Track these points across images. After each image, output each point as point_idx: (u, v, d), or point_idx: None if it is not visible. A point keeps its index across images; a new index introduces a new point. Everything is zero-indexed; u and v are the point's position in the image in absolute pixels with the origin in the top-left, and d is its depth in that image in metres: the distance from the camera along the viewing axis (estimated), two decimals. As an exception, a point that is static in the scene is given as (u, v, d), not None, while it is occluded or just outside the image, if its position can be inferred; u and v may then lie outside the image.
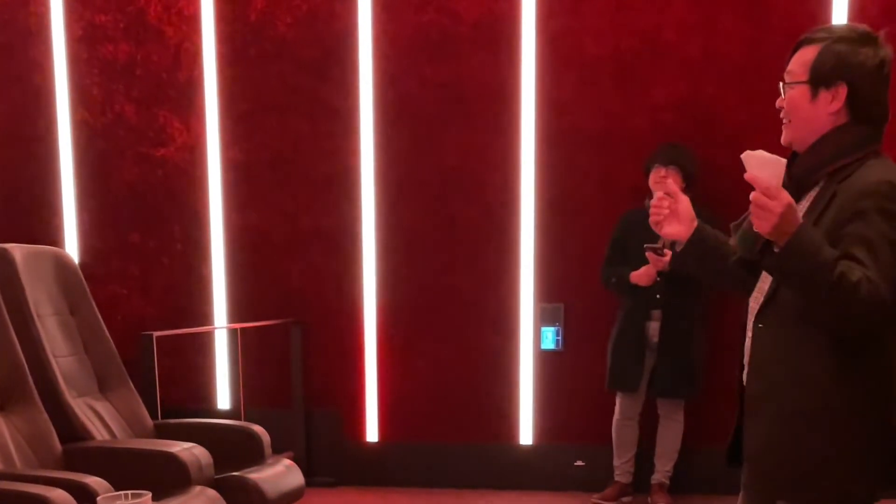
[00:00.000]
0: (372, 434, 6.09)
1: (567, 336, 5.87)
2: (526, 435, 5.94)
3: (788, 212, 2.25)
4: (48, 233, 6.16)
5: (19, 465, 3.63)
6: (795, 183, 2.46)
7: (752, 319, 2.53)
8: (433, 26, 5.83)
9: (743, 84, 5.53)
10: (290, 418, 6.01)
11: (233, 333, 5.93)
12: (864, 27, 2.49)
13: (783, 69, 2.58)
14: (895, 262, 2.30)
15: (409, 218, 5.96)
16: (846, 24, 2.53)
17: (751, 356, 2.53)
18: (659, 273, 5.18)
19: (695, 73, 5.61)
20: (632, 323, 5.42)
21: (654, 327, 5.37)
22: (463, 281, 5.93)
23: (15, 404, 3.73)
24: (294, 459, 4.80)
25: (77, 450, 3.89)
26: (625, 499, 5.58)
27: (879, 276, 2.27)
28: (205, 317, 6.15)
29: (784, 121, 2.53)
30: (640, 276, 5.26)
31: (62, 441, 3.85)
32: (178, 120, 6.10)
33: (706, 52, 5.61)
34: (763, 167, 2.33)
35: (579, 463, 5.84)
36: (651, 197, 5.40)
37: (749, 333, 2.55)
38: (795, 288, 2.36)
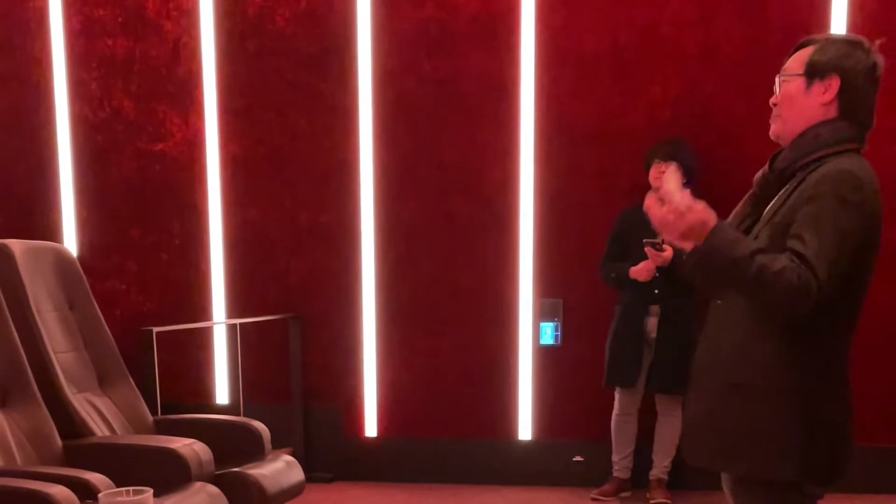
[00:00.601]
0: (371, 429, 6.09)
1: (566, 331, 5.87)
2: (525, 430, 5.95)
3: (693, 217, 2.41)
4: (47, 228, 6.16)
5: (20, 462, 3.63)
6: (777, 175, 2.58)
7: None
8: (432, 21, 5.82)
9: (740, 80, 5.53)
10: (289, 413, 6.02)
11: (232, 329, 5.93)
12: (861, 37, 2.61)
13: (780, 65, 2.67)
14: (839, 245, 2.39)
15: (408, 213, 5.96)
16: (844, 33, 2.60)
17: (704, 330, 2.66)
18: (658, 268, 5.19)
19: (693, 69, 5.61)
20: (630, 319, 5.43)
21: (652, 323, 5.38)
22: (462, 276, 5.93)
23: (15, 400, 3.74)
24: (293, 454, 4.81)
25: (77, 446, 3.89)
26: (623, 494, 5.59)
27: (817, 259, 2.35)
28: (204, 312, 6.15)
29: (774, 115, 2.63)
30: (639, 271, 5.27)
31: (62, 437, 3.85)
32: (176, 115, 6.09)
33: (704, 49, 5.61)
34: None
35: (578, 458, 5.85)
36: (651, 192, 5.41)
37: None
38: (720, 285, 2.50)
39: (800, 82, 2.56)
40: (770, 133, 2.65)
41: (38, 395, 3.81)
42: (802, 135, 2.55)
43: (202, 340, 6.19)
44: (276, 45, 5.96)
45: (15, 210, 6.22)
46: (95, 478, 3.36)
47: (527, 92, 5.78)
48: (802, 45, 2.62)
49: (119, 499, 3.08)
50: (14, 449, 3.64)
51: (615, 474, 5.58)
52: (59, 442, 3.83)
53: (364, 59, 5.90)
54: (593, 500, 5.57)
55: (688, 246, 2.46)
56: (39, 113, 6.20)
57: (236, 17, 5.98)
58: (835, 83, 2.53)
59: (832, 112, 2.55)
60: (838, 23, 5.49)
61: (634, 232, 5.14)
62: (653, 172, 5.35)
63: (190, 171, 6.12)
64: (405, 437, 6.06)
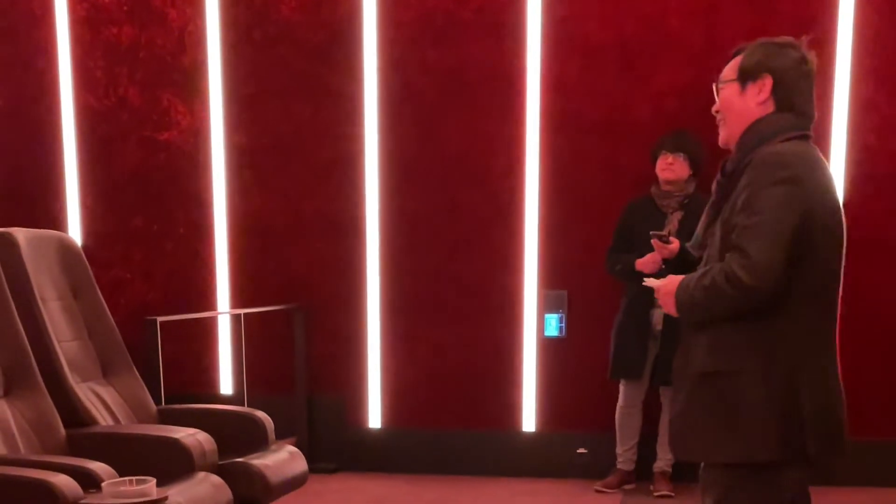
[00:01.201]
0: (374, 420, 6.09)
1: (570, 323, 5.86)
2: (529, 422, 5.94)
3: (664, 293, 2.72)
4: (51, 216, 6.15)
5: (23, 451, 3.63)
6: (727, 178, 2.67)
7: None
8: (438, 11, 5.80)
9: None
10: (293, 404, 6.01)
11: (236, 319, 5.92)
12: (790, 38, 2.73)
13: None
14: (775, 223, 2.47)
15: (413, 203, 5.94)
16: (773, 38, 2.77)
17: (682, 340, 2.77)
18: (664, 260, 5.16)
19: (698, 59, 5.58)
20: (636, 311, 5.41)
21: (657, 315, 5.36)
22: (466, 267, 5.92)
23: (19, 389, 3.73)
24: (296, 445, 4.81)
25: (81, 435, 3.89)
26: (627, 486, 5.58)
27: (751, 242, 2.47)
28: (208, 302, 6.14)
29: (719, 121, 2.74)
30: (646, 263, 5.24)
31: (66, 426, 3.85)
32: (181, 104, 6.08)
33: (710, 39, 5.58)
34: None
35: (582, 451, 5.84)
36: (657, 184, 5.40)
37: None
38: (706, 319, 2.64)
39: (734, 87, 2.68)
40: (719, 141, 2.76)
41: (42, 383, 3.80)
42: (744, 133, 2.66)
43: (206, 330, 6.18)
44: (282, 34, 5.94)
45: (19, 198, 6.21)
46: (99, 467, 3.35)
47: (532, 82, 5.76)
48: (736, 54, 2.74)
49: (122, 488, 3.10)
50: (17, 438, 3.64)
51: (619, 466, 5.57)
52: (62, 431, 3.82)
53: (369, 48, 5.88)
54: (597, 491, 5.57)
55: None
56: (44, 101, 6.19)
57: (242, 5, 5.96)
58: (767, 81, 2.64)
59: (769, 108, 2.65)
60: (846, 13, 5.47)
61: (640, 224, 5.12)
62: (660, 164, 5.33)
63: (195, 161, 6.11)
64: (409, 428, 6.05)
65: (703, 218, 2.77)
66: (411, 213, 5.95)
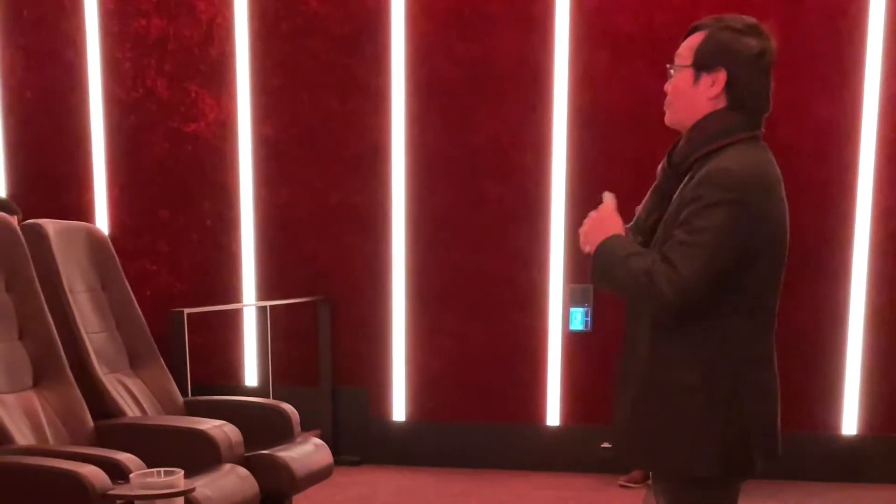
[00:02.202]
0: (398, 413, 6.09)
1: (596, 317, 5.83)
2: (553, 416, 5.93)
3: (597, 223, 2.62)
4: (79, 208, 6.18)
5: (52, 441, 3.65)
6: (674, 170, 2.61)
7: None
8: (466, 3, 5.78)
9: (775, 64, 5.44)
10: (317, 396, 6.02)
11: (261, 310, 5.93)
12: (752, 19, 2.59)
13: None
14: (712, 244, 2.42)
15: (439, 196, 5.93)
16: (736, 15, 2.61)
17: (625, 334, 2.70)
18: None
19: (729, 52, 5.53)
20: None
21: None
22: (492, 260, 5.90)
23: (48, 380, 3.74)
24: (320, 437, 4.81)
25: (109, 426, 3.90)
26: (650, 481, 5.56)
27: (682, 259, 2.42)
28: (233, 293, 6.16)
29: (666, 102, 2.64)
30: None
31: (94, 417, 3.86)
32: (209, 95, 6.09)
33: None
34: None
35: (606, 445, 5.81)
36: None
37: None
38: (611, 288, 2.60)
39: (688, 74, 2.56)
40: (665, 120, 2.66)
41: (71, 375, 3.82)
42: (693, 128, 2.56)
43: (232, 322, 6.20)
44: (310, 26, 5.94)
45: (48, 190, 6.25)
46: (127, 458, 3.36)
47: (560, 74, 5.74)
48: (694, 30, 2.61)
49: (150, 479, 3.10)
50: (46, 428, 3.66)
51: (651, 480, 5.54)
52: (90, 422, 3.84)
53: (397, 40, 5.87)
54: (621, 486, 5.55)
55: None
56: (73, 93, 6.22)
57: (270, -3, 5.97)
58: (721, 76, 2.52)
59: (721, 103, 2.55)
60: (877, 5, 5.40)
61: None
62: None
63: (221, 152, 6.12)
64: (433, 421, 6.05)
65: (646, 201, 2.71)
66: (437, 206, 5.94)
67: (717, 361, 2.50)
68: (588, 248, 2.62)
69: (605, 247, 2.57)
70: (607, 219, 2.63)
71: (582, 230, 2.66)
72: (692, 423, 2.51)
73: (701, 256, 2.42)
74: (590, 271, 2.61)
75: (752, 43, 2.54)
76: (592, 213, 2.65)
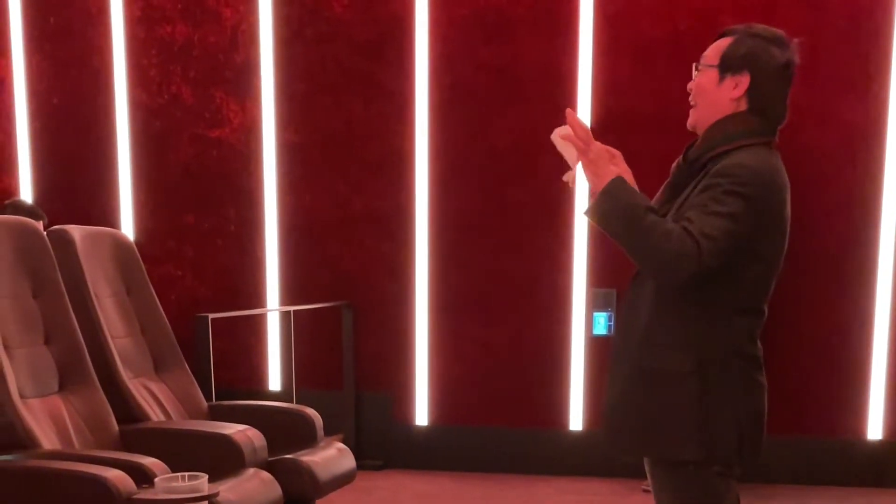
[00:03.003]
0: (421, 417, 6.10)
1: (619, 322, 5.81)
2: (576, 421, 5.92)
3: (599, 157, 2.64)
4: (105, 213, 6.23)
5: (77, 445, 3.68)
6: (689, 166, 2.67)
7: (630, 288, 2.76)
8: (489, 8, 5.79)
9: (800, 68, 5.39)
10: (341, 400, 6.04)
11: (285, 315, 5.96)
12: (780, 31, 2.66)
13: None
14: (724, 228, 2.45)
15: (462, 201, 5.94)
16: (765, 26, 2.68)
17: (617, 320, 2.80)
18: None
19: (753, 56, 5.51)
20: None
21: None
22: (515, 265, 5.90)
23: (74, 385, 3.78)
24: (343, 441, 4.82)
25: (133, 431, 3.93)
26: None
27: (700, 234, 2.44)
28: (257, 298, 6.19)
29: (691, 103, 2.70)
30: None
31: (119, 422, 3.89)
32: (233, 101, 6.12)
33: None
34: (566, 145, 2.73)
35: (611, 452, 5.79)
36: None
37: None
38: (615, 232, 2.57)
39: (713, 74, 2.62)
40: (687, 123, 2.72)
41: (96, 379, 3.85)
42: (712, 127, 2.62)
43: (256, 326, 6.23)
44: (334, 32, 5.97)
45: (74, 194, 6.31)
46: (152, 462, 3.38)
47: (584, 79, 5.73)
48: (724, 35, 2.67)
49: (175, 483, 3.12)
50: (72, 432, 3.69)
51: (645, 465, 5.52)
52: (115, 426, 3.87)
53: (421, 45, 5.88)
54: (644, 491, 5.53)
55: (594, 185, 2.61)
56: (99, 99, 6.27)
57: (295, 3, 6.00)
58: (745, 80, 2.59)
59: (742, 106, 2.61)
60: (903, 10, 5.37)
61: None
62: None
63: (246, 158, 6.15)
64: (456, 425, 6.05)
65: (659, 195, 2.77)
66: (460, 211, 5.94)
67: (709, 352, 2.56)
68: (595, 179, 2.62)
69: (620, 186, 2.59)
70: (607, 153, 2.67)
71: (582, 157, 2.67)
72: (682, 409, 2.57)
73: (713, 232, 2.46)
74: (590, 208, 2.60)
75: (778, 53, 2.61)
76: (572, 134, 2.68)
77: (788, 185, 2.62)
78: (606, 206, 2.58)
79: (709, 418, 2.57)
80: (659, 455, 2.67)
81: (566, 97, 5.75)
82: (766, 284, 2.63)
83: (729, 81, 2.60)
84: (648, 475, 2.79)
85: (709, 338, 2.57)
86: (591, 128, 6.14)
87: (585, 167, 2.67)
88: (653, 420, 2.61)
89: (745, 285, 2.57)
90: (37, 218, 4.76)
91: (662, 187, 2.79)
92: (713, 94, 2.63)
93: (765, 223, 2.54)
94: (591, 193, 2.64)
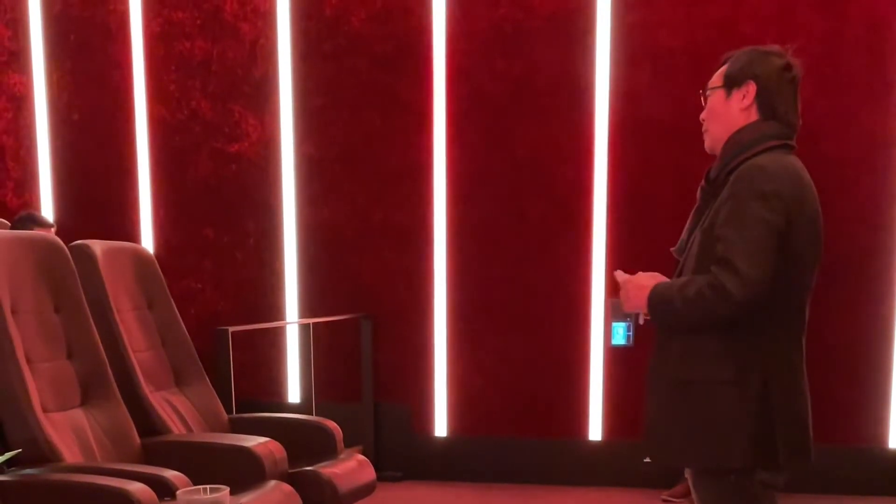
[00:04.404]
0: (441, 428, 6.09)
1: (638, 332, 5.77)
2: (595, 431, 5.90)
3: (633, 286, 2.78)
4: (125, 228, 6.27)
5: (99, 459, 3.69)
6: (711, 185, 2.73)
7: None
8: (507, 20, 5.80)
9: (819, 76, 5.40)
10: (360, 412, 6.04)
11: (304, 328, 5.97)
12: (773, 46, 2.78)
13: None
14: (761, 237, 2.51)
15: (481, 212, 5.94)
16: (758, 46, 2.80)
17: (656, 335, 2.84)
18: None
19: (771, 65, 5.50)
20: None
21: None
22: (534, 275, 5.90)
23: (96, 398, 3.80)
24: (362, 453, 4.83)
25: (155, 444, 3.94)
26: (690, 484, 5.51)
27: (739, 256, 2.50)
28: (276, 311, 6.21)
29: (704, 130, 2.79)
30: None
31: (141, 435, 3.91)
32: (252, 115, 6.16)
33: (781, 45, 5.48)
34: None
35: (648, 460, 5.77)
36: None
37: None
38: (675, 326, 2.70)
39: (720, 93, 2.72)
40: (705, 146, 2.80)
41: (118, 393, 3.87)
42: (727, 142, 2.69)
43: (275, 339, 6.25)
44: (352, 46, 5.99)
45: (95, 210, 6.35)
46: (173, 475, 3.40)
47: (602, 89, 5.73)
48: (723, 63, 2.78)
49: (196, 496, 3.13)
50: (94, 446, 3.71)
51: (687, 475, 5.50)
52: (137, 439, 3.88)
53: (439, 58, 5.90)
54: (664, 501, 5.51)
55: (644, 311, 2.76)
56: (119, 115, 6.31)
57: (313, 18, 6.03)
58: (751, 88, 2.67)
59: (753, 115, 2.68)
60: (922, 15, 5.35)
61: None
62: None
63: (265, 171, 6.18)
64: (475, 436, 6.05)
65: (688, 223, 2.82)
66: (479, 222, 5.95)
67: (749, 359, 2.59)
68: (642, 309, 2.77)
69: (656, 291, 2.70)
70: (640, 278, 2.79)
71: (622, 296, 2.82)
72: (724, 417, 2.60)
73: (755, 250, 2.50)
74: (653, 320, 2.74)
75: (776, 58, 2.70)
76: (628, 283, 2.81)
77: (813, 184, 2.63)
78: (657, 316, 2.73)
79: (752, 425, 2.59)
80: (703, 464, 2.69)
81: (584, 107, 5.75)
82: (807, 283, 2.65)
83: (736, 94, 2.69)
84: (691, 486, 2.81)
85: (748, 344, 2.59)
86: (610, 136, 6.18)
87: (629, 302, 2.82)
88: (696, 429, 2.65)
89: (784, 286, 2.57)
90: (42, 226, 4.83)
91: (691, 213, 2.83)
92: (724, 110, 2.71)
93: (796, 219, 2.56)
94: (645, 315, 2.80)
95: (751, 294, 2.50)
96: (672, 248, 2.83)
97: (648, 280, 2.76)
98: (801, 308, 2.66)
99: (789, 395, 2.64)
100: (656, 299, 2.68)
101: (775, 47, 2.74)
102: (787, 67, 2.68)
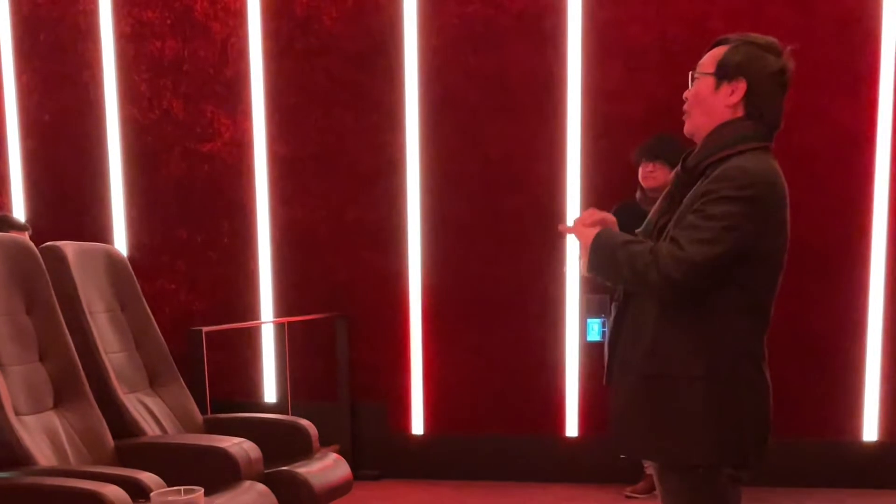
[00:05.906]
0: (417, 427, 6.10)
1: (613, 329, 5.82)
2: (572, 427, 5.93)
3: (581, 223, 2.71)
4: (97, 228, 6.24)
5: (73, 461, 3.67)
6: (687, 174, 2.70)
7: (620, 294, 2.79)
8: (478, 17, 5.81)
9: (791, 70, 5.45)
10: (336, 411, 6.04)
11: (279, 328, 5.96)
12: (774, 39, 2.72)
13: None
14: (721, 236, 2.50)
15: (455, 210, 5.95)
16: (759, 35, 2.74)
17: (624, 326, 2.74)
18: None
19: (742, 61, 5.53)
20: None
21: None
22: (508, 273, 5.91)
23: (69, 401, 3.77)
24: (339, 452, 4.82)
25: (129, 446, 3.92)
26: (657, 492, 5.54)
27: (691, 243, 2.50)
28: (251, 311, 6.19)
29: (685, 109, 2.75)
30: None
31: (114, 437, 3.88)
32: (224, 115, 6.13)
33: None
34: None
35: (624, 455, 5.79)
36: (642, 189, 5.36)
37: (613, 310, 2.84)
38: (607, 276, 2.69)
39: (709, 81, 2.67)
40: (684, 129, 2.76)
41: (91, 395, 3.84)
42: (710, 134, 2.67)
43: (250, 339, 6.23)
44: (324, 45, 5.98)
45: (66, 211, 6.31)
46: (147, 477, 3.38)
47: (574, 87, 5.75)
48: (718, 43, 2.72)
49: (171, 498, 3.11)
50: (67, 448, 3.68)
51: (648, 472, 5.53)
52: (111, 441, 3.86)
53: (410, 56, 5.90)
54: (627, 497, 5.55)
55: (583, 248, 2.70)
56: (89, 115, 6.28)
57: (284, 17, 6.01)
58: (741, 86, 2.63)
59: (739, 112, 2.65)
60: (890, 12, 5.39)
61: (629, 227, 5.10)
62: (641, 172, 5.36)
63: (238, 171, 6.16)
64: (452, 434, 6.06)
65: (658, 205, 2.79)
66: (453, 220, 5.96)
67: (718, 354, 2.59)
68: (583, 241, 2.69)
69: (603, 236, 2.66)
70: (596, 216, 2.74)
71: (574, 230, 2.73)
72: (691, 413, 2.60)
73: (709, 240, 2.51)
74: (585, 262, 2.68)
75: (773, 60, 2.66)
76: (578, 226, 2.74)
77: (787, 187, 2.65)
78: (593, 260, 2.66)
79: (720, 421, 2.59)
80: (670, 459, 2.68)
81: (557, 104, 5.77)
82: (772, 285, 2.66)
83: (725, 88, 2.65)
84: (656, 480, 2.82)
85: (717, 341, 2.59)
86: (583, 133, 6.19)
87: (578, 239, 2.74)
88: (664, 424, 2.64)
89: (751, 287, 2.60)
90: (18, 229, 4.78)
91: (661, 196, 2.82)
92: (710, 101, 2.67)
93: (768, 224, 2.58)
94: (581, 254, 2.73)
95: (682, 275, 2.50)
96: (637, 231, 2.82)
97: (597, 215, 2.75)
98: (767, 308, 2.67)
99: (756, 391, 2.65)
100: (602, 238, 2.65)
101: (774, 42, 2.69)
102: (782, 71, 2.66)
